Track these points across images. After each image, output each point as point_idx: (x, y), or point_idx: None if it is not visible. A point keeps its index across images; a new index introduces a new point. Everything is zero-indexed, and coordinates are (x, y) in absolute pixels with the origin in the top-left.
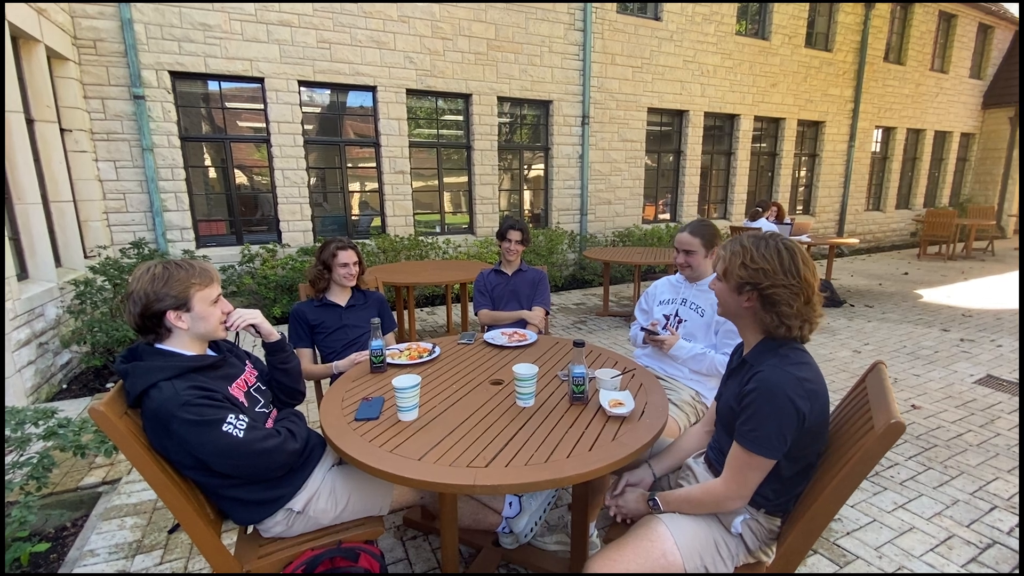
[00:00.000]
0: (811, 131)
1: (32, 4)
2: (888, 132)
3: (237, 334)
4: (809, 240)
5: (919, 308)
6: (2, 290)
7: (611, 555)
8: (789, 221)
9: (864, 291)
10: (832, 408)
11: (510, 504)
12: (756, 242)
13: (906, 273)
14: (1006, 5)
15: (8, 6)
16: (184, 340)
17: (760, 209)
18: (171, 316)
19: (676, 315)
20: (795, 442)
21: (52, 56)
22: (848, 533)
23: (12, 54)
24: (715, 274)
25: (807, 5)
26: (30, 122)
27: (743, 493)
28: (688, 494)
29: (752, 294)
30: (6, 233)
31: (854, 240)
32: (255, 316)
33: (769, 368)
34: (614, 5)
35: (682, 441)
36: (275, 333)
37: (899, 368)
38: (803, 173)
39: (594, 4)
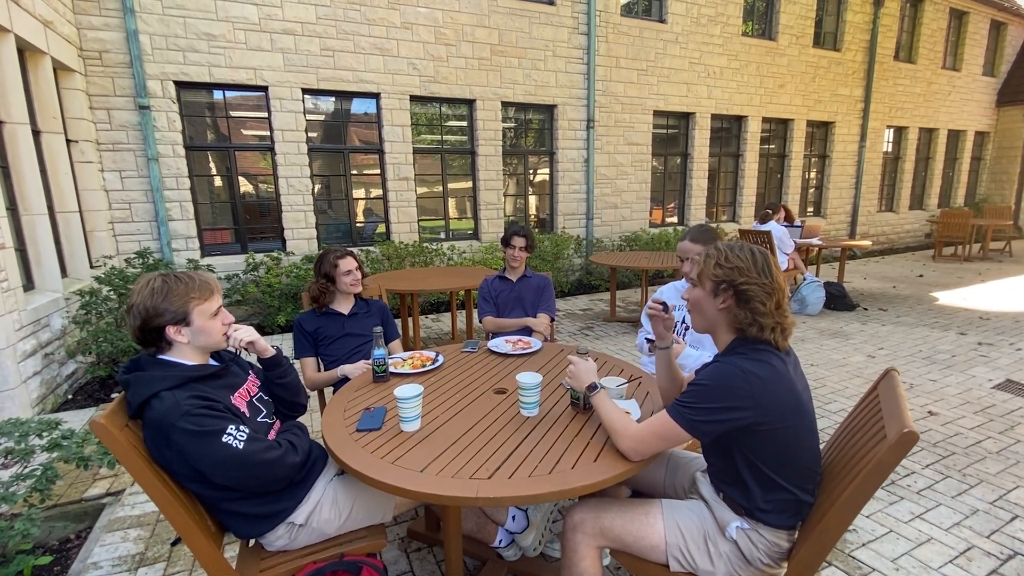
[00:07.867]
0: (820, 132)
1: (38, 16)
2: (900, 132)
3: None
4: (820, 243)
5: (935, 311)
6: None
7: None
8: (799, 223)
9: (878, 294)
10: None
11: (513, 518)
12: (730, 246)
13: (921, 275)
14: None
15: (16, 19)
16: (185, 351)
17: (770, 211)
18: (171, 331)
19: (683, 321)
20: (743, 439)
21: (58, 68)
22: (864, 544)
23: (19, 66)
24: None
25: (814, 4)
26: (36, 133)
27: (639, 448)
28: (609, 409)
29: (728, 293)
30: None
31: (867, 242)
32: (252, 334)
33: (719, 359)
34: (618, 8)
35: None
36: (270, 349)
37: (915, 373)
38: (813, 174)
39: (597, 7)
